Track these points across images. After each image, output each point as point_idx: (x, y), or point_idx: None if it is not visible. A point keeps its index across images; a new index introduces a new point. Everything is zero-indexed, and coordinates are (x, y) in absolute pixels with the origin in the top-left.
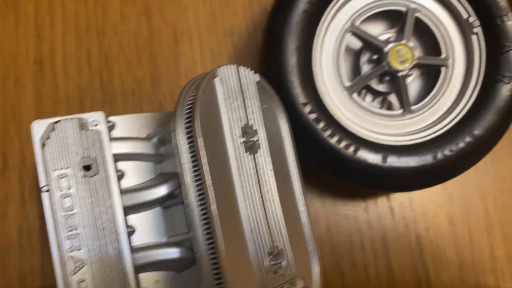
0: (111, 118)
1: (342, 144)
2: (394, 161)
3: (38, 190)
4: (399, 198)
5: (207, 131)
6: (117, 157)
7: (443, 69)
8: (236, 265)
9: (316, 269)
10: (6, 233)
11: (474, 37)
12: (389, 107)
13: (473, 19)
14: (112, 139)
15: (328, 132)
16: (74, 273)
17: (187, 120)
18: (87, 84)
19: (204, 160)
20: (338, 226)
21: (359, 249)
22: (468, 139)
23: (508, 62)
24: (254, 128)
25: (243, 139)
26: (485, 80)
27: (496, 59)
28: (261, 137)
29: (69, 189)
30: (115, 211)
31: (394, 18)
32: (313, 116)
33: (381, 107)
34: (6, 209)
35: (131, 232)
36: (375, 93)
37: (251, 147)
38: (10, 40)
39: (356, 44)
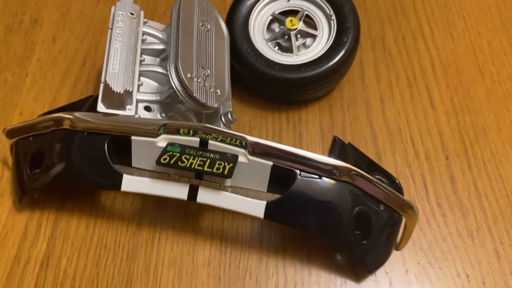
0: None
1: (259, 61)
2: (284, 73)
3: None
4: None
5: (185, 15)
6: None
7: (316, 37)
8: (184, 61)
9: (227, 87)
10: None
11: (332, 21)
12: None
13: (331, 12)
14: (144, 23)
15: (251, 54)
16: None
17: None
18: None
19: (179, 23)
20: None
21: None
22: (325, 63)
23: (344, 31)
24: (208, 26)
25: (201, 24)
26: (335, 40)
27: (340, 31)
28: (211, 30)
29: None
30: (137, 41)
31: (296, 12)
32: (245, 46)
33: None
34: None
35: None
36: (283, 48)
37: (206, 31)
38: None
39: (275, 24)
